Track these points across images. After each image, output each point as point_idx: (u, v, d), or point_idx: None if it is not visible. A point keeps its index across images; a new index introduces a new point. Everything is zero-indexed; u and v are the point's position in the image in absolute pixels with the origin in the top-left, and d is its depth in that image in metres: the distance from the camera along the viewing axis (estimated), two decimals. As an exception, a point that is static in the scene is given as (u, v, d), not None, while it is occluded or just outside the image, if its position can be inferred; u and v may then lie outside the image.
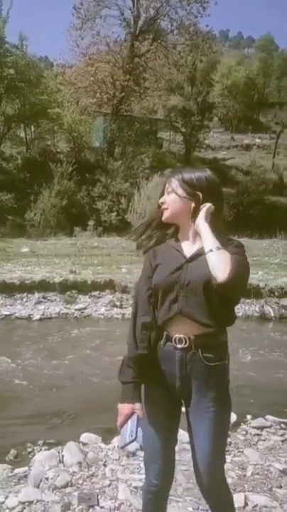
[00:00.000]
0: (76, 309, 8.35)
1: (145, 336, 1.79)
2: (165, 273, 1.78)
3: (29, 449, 3.64)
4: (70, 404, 4.65)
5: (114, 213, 18.12)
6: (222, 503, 1.91)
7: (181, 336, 1.75)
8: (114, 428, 3.91)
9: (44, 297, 8.53)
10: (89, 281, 8.98)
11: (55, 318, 8.06)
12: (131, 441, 1.72)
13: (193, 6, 23.53)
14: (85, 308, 8.38)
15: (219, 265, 1.65)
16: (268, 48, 56.16)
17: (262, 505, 2.69)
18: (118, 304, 8.60)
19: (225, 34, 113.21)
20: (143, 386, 1.86)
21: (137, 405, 1.77)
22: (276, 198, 26.14)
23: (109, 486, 2.91)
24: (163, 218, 1.87)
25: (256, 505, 2.67)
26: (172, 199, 1.83)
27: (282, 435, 4.00)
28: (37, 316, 8.03)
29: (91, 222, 17.77)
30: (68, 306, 8.41)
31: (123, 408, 1.78)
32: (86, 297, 8.73)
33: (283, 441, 3.89)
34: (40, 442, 3.69)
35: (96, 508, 2.64)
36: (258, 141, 37.52)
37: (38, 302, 8.42)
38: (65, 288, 8.77)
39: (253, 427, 4.04)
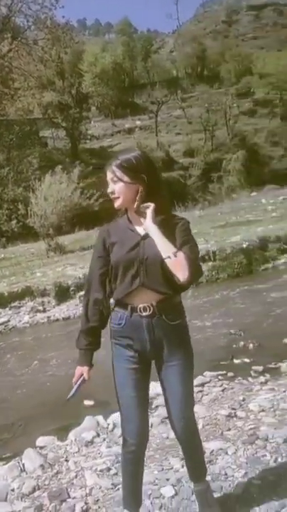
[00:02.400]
0: (-2, 325, 8.10)
1: (97, 311, 2.04)
2: (123, 250, 1.96)
3: (-14, 470, 3.56)
4: (16, 416, 4.59)
5: (14, 221, 17.62)
6: (194, 442, 2.16)
7: (145, 304, 1.95)
8: (67, 425, 4.00)
9: None
10: (5, 294, 8.75)
11: (-22, 339, 7.77)
12: (72, 396, 2.05)
13: (45, -1, 23.16)
14: (8, 321, 8.16)
15: (178, 270, 1.87)
16: (127, 31, 57.04)
17: (218, 448, 2.93)
18: (40, 308, 8.50)
19: (83, 23, 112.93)
20: (114, 354, 2.05)
21: (85, 368, 2.05)
22: (167, 173, 27.14)
23: (76, 477, 2.98)
24: (116, 206, 2.02)
25: (212, 451, 2.90)
26: (120, 187, 1.97)
27: (221, 386, 4.34)
28: None
29: (-9, 235, 17.14)
30: (-11, 323, 8.14)
31: (77, 370, 2.07)
32: (6, 310, 8.50)
33: (222, 390, 4.22)
34: (-4, 459, 3.63)
35: (69, 500, 2.70)
36: (138, 122, 38.39)
37: None
38: (-18, 306, 8.46)
39: (195, 386, 4.30)
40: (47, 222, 13.45)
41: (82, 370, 2.05)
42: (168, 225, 1.95)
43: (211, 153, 30.99)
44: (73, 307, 8.50)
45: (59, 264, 11.01)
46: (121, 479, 2.71)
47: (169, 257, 1.87)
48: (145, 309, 1.95)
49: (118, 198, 1.98)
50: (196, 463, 2.20)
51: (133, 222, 2.02)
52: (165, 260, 1.88)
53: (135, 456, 2.05)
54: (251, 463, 2.62)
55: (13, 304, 8.61)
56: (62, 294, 8.80)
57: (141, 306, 1.95)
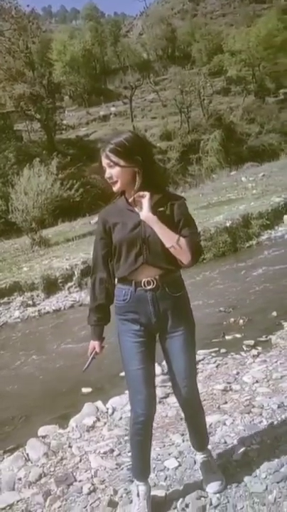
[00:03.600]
0: (-11, 322, 8.09)
1: (103, 289, 2.15)
2: (126, 230, 2.03)
3: (-9, 462, 3.61)
4: (15, 409, 4.63)
5: (-5, 218, 17.46)
6: (197, 409, 2.24)
7: (148, 279, 2.05)
8: (66, 413, 4.05)
9: None
10: (-7, 291, 8.73)
11: None
12: (87, 367, 2.24)
13: (8, -12, 22.69)
14: (-2, 318, 8.17)
15: (182, 255, 1.98)
16: (94, 16, 56.24)
17: (216, 421, 3.02)
18: (30, 302, 8.51)
19: (48, 10, 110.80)
20: (120, 329, 2.14)
21: (96, 343, 2.19)
22: (146, 158, 26.87)
23: (80, 461, 3.05)
24: (115, 190, 2.07)
25: (211, 424, 2.99)
26: (118, 171, 2.01)
27: (214, 362, 4.44)
28: None
29: (-27, 233, 16.96)
30: (-20, 321, 8.12)
31: (90, 344, 2.22)
32: (-4, 307, 8.50)
33: (217, 366, 4.33)
34: (1, 452, 3.69)
35: (75, 483, 2.76)
36: (113, 109, 38.00)
37: None
38: (-29, 304, 8.43)
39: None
40: (30, 216, 13.37)
41: (94, 344, 2.19)
42: (166, 205, 2.01)
43: (188, 135, 30.83)
44: (63, 299, 8.53)
45: (45, 257, 10.99)
46: (124, 459, 2.80)
47: (172, 247, 1.96)
48: (148, 283, 2.04)
49: (117, 182, 2.03)
50: (199, 431, 2.29)
51: (131, 203, 2.06)
52: (169, 249, 1.96)
53: (144, 426, 2.11)
54: (249, 429, 2.72)
55: (2, 301, 8.60)
56: (51, 286, 8.82)
57: (144, 280, 2.04)
